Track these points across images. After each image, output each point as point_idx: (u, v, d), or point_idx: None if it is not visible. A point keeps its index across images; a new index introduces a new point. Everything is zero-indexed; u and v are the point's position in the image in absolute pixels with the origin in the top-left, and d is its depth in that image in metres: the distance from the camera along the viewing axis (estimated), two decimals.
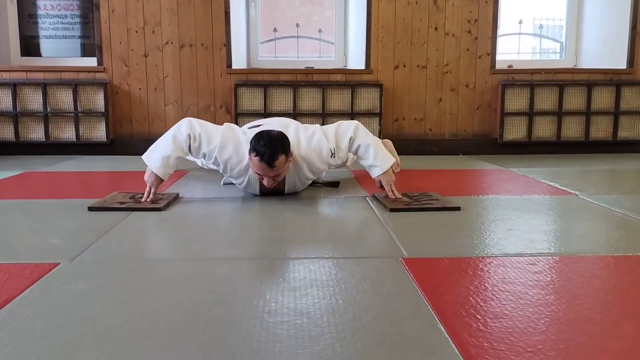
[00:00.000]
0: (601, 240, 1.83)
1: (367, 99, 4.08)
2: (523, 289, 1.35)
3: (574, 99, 4.16)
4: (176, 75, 4.09)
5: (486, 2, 4.10)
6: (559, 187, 2.78)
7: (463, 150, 4.22)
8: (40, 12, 4.29)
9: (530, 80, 4.18)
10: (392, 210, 2.21)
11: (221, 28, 4.05)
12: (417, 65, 4.14)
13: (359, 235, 1.97)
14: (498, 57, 4.21)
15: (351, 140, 2.47)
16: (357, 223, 2.11)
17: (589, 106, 4.16)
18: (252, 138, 2.25)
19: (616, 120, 4.18)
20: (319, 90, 4.07)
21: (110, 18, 4.03)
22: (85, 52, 4.31)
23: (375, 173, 2.48)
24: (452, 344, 1.06)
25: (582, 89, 4.15)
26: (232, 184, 2.75)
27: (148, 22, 4.04)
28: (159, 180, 2.37)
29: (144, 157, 2.42)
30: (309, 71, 4.16)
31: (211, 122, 2.55)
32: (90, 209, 2.23)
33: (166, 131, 2.48)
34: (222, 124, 2.49)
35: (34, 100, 4.03)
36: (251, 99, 4.05)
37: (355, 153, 2.54)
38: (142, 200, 2.32)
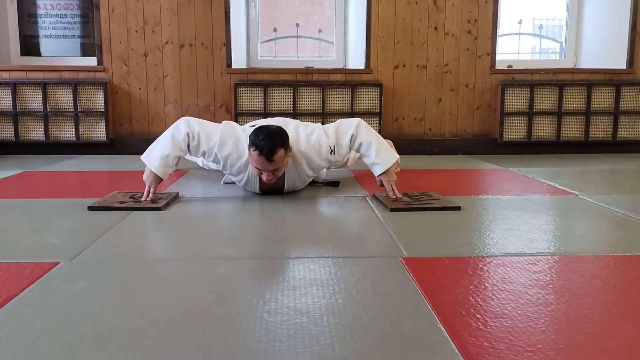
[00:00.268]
0: (601, 240, 1.84)
1: (367, 98, 4.08)
2: (523, 289, 1.35)
3: (574, 99, 4.16)
4: (176, 75, 4.09)
5: (486, 2, 4.10)
6: (559, 187, 2.78)
7: (463, 150, 4.22)
8: (40, 11, 4.29)
9: (530, 80, 4.18)
10: (392, 210, 2.21)
11: (221, 28, 4.05)
12: (417, 65, 4.14)
13: (359, 234, 1.97)
14: (498, 57, 4.21)
15: (353, 138, 2.46)
16: (357, 222, 2.11)
17: (588, 106, 4.16)
18: (251, 133, 2.26)
19: (616, 120, 4.18)
20: (318, 90, 4.07)
21: (110, 18, 4.03)
22: (85, 51, 4.31)
23: (377, 171, 2.47)
24: (452, 344, 1.06)
25: (582, 89, 4.15)
26: (232, 183, 2.75)
27: (148, 22, 4.04)
28: (158, 180, 2.37)
29: (142, 157, 2.42)
30: (309, 71, 4.16)
31: (211, 122, 2.55)
32: (90, 208, 2.23)
33: (166, 129, 2.48)
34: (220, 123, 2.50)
35: (33, 99, 4.03)
36: (251, 99, 4.05)
37: (358, 150, 2.53)
38: (142, 199, 2.32)
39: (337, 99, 4.09)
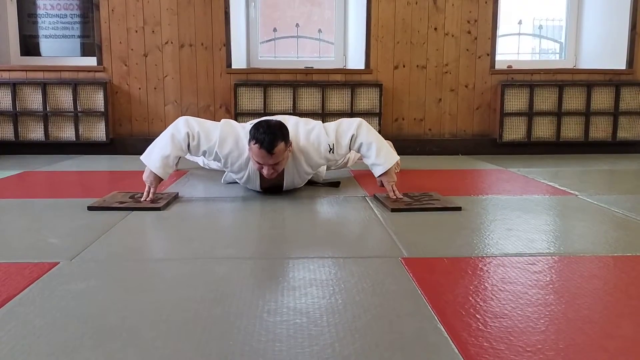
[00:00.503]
0: (600, 240, 1.84)
1: (367, 99, 4.08)
2: (522, 289, 1.35)
3: (574, 100, 4.16)
4: (176, 75, 4.09)
5: (486, 3, 4.10)
6: (559, 187, 2.78)
7: (462, 150, 4.22)
8: (40, 11, 4.29)
9: (530, 80, 4.18)
10: (393, 210, 2.21)
11: (221, 28, 4.05)
12: (417, 66, 4.15)
13: (359, 235, 1.97)
14: (498, 58, 4.21)
15: (353, 138, 2.46)
16: (357, 223, 2.11)
17: (588, 106, 4.16)
18: (252, 127, 2.27)
19: (615, 121, 4.18)
20: (318, 90, 4.07)
21: (110, 18, 4.03)
22: (85, 51, 4.31)
23: (377, 172, 2.47)
24: (452, 344, 1.06)
25: (582, 89, 4.15)
26: (234, 182, 2.75)
27: (148, 22, 4.04)
28: (158, 180, 2.37)
29: (142, 157, 2.42)
30: (309, 71, 4.16)
31: (209, 120, 2.55)
32: (90, 208, 2.23)
33: (165, 129, 2.48)
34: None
35: (33, 99, 4.03)
36: (251, 99, 4.05)
37: (358, 151, 2.53)
38: (142, 199, 2.32)
39: (337, 99, 4.09)
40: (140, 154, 2.47)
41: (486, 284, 1.39)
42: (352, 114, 4.03)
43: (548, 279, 1.44)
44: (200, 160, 3.22)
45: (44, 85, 4.00)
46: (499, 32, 4.27)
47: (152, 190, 2.35)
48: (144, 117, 4.14)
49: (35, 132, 4.06)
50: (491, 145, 4.22)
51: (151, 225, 2.05)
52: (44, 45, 4.33)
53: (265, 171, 2.28)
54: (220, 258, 1.63)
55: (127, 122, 4.15)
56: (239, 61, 4.24)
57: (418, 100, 4.19)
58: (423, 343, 1.07)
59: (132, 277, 1.46)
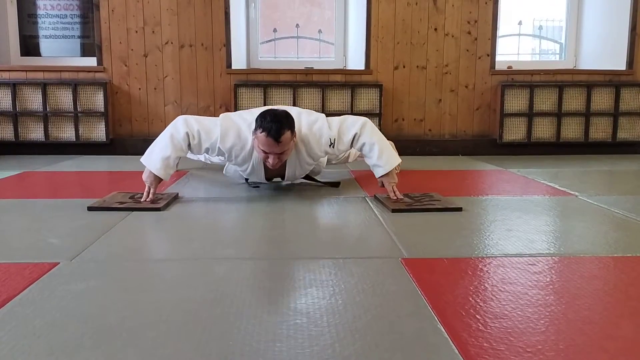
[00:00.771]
0: (600, 240, 1.84)
1: (367, 99, 4.08)
2: (523, 290, 1.35)
3: (574, 100, 4.16)
4: (176, 75, 4.09)
5: (486, 3, 4.11)
6: (559, 187, 2.78)
7: (462, 150, 4.23)
8: (40, 12, 4.29)
9: (530, 81, 4.19)
10: (394, 211, 2.21)
11: (221, 28, 4.05)
12: (417, 66, 4.15)
13: (359, 235, 1.97)
14: (498, 58, 4.21)
15: (356, 137, 2.45)
16: (357, 223, 2.11)
17: (588, 107, 4.16)
18: (257, 117, 2.26)
19: (615, 122, 4.18)
20: (318, 91, 4.07)
21: (110, 18, 4.03)
22: (85, 52, 4.31)
23: (378, 173, 2.47)
24: (452, 344, 1.06)
25: (582, 90, 4.15)
26: (241, 179, 2.74)
27: (148, 22, 4.04)
28: (158, 180, 2.37)
29: (142, 159, 2.40)
30: (309, 71, 4.16)
31: (207, 117, 2.55)
32: (90, 208, 2.23)
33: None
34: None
35: (33, 100, 4.03)
36: (251, 99, 4.05)
37: (360, 150, 2.52)
38: (142, 200, 2.32)
39: (337, 100, 4.09)
40: (141, 154, 2.47)
41: (486, 285, 1.39)
42: (352, 114, 4.01)
43: (548, 279, 1.44)
44: (202, 157, 3.21)
45: (44, 86, 4.00)
46: (499, 32, 4.27)
47: (152, 190, 2.35)
48: (144, 117, 4.14)
49: (35, 133, 4.06)
50: (491, 146, 4.22)
51: (151, 226, 2.05)
52: (44, 45, 4.33)
53: (270, 160, 2.28)
54: (220, 258, 1.63)
55: (127, 123, 4.15)
56: (239, 61, 4.24)
57: (418, 101, 4.19)
58: (423, 343, 1.07)
59: (132, 278, 1.46)
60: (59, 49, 4.32)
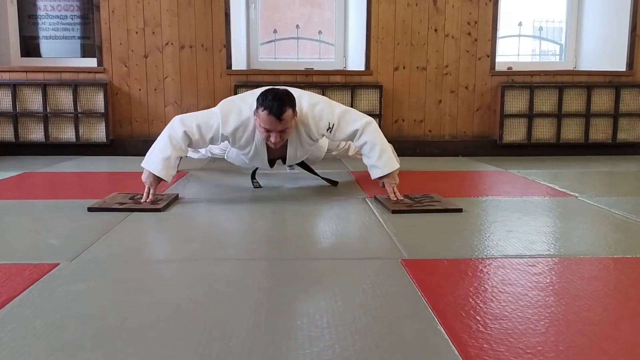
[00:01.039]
0: (600, 242, 1.84)
1: (367, 100, 4.08)
2: (523, 291, 1.35)
3: (574, 101, 4.16)
4: (176, 76, 4.10)
5: (486, 4, 4.11)
6: (559, 188, 2.78)
7: (462, 151, 4.23)
8: (41, 12, 4.29)
9: (530, 82, 4.19)
10: (394, 212, 2.21)
11: (221, 29, 4.05)
12: (417, 67, 4.15)
13: (359, 236, 1.97)
14: (498, 59, 4.21)
15: (357, 133, 2.44)
16: (357, 224, 2.11)
17: (588, 108, 4.16)
18: (259, 96, 2.27)
19: (615, 123, 4.18)
20: (318, 92, 4.06)
21: (110, 19, 4.03)
22: (85, 52, 4.32)
23: (375, 174, 2.46)
24: (452, 345, 1.06)
25: (582, 91, 4.16)
26: (238, 159, 2.78)
27: (148, 23, 4.04)
28: (158, 181, 2.36)
29: (142, 164, 2.39)
30: (309, 72, 4.17)
31: (203, 110, 2.55)
32: (90, 209, 2.23)
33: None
34: None
35: (33, 100, 4.03)
36: None
37: (361, 149, 2.51)
38: (142, 200, 2.32)
39: (337, 100, 4.04)
40: (141, 154, 2.47)
41: (486, 286, 1.39)
42: None
43: (548, 280, 1.44)
44: (203, 150, 3.21)
45: (44, 86, 4.00)
46: (499, 33, 4.27)
47: (151, 191, 2.35)
48: (144, 118, 4.14)
49: (35, 133, 4.06)
50: (491, 147, 4.22)
51: (151, 227, 2.05)
52: (44, 46, 4.33)
53: (272, 139, 2.28)
54: (220, 259, 1.63)
55: (127, 123, 4.15)
56: (239, 62, 4.24)
57: (418, 102, 4.19)
58: (423, 344, 1.07)
59: (132, 278, 1.46)
60: (59, 50, 4.33)
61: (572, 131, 4.19)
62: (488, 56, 4.16)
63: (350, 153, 3.22)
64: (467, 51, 4.15)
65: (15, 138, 4.04)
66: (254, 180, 2.83)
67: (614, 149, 4.24)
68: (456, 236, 1.89)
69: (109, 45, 4.06)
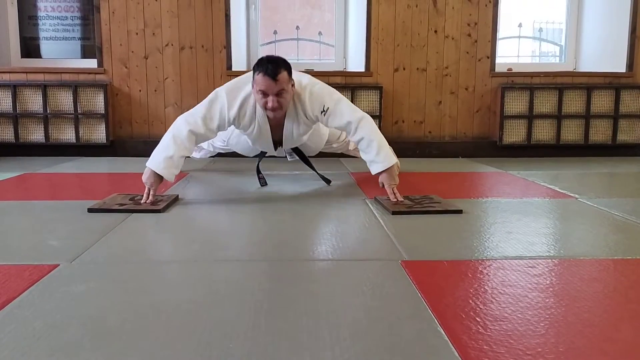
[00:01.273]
0: (600, 243, 1.84)
1: (367, 101, 4.09)
2: (522, 292, 1.35)
3: (574, 102, 4.17)
4: (176, 77, 4.10)
5: (486, 6, 4.11)
6: (559, 190, 2.78)
7: (462, 153, 4.23)
8: (41, 13, 4.30)
9: (530, 83, 4.19)
10: (394, 213, 2.21)
11: (221, 30, 4.05)
12: (417, 68, 4.15)
13: (359, 237, 1.97)
14: (498, 60, 4.21)
15: (351, 126, 2.43)
16: (357, 225, 2.11)
17: (588, 109, 4.16)
18: (255, 64, 2.34)
19: (615, 124, 4.18)
20: None
21: (110, 20, 4.03)
22: (86, 53, 4.32)
23: (375, 169, 2.44)
24: (452, 347, 1.06)
25: (582, 92, 4.16)
26: (239, 145, 2.85)
27: (148, 24, 4.04)
28: (158, 182, 2.37)
29: (147, 163, 2.39)
30: (309, 73, 4.15)
31: (203, 102, 2.55)
32: (90, 210, 2.23)
33: (165, 133, 2.48)
34: None
35: (34, 101, 4.03)
36: None
37: (357, 144, 2.50)
38: (142, 201, 2.32)
39: None
40: (141, 155, 2.48)
41: (486, 287, 1.39)
42: None
43: (548, 282, 1.44)
44: (205, 144, 3.22)
45: (44, 87, 4.00)
46: (499, 35, 4.27)
47: (152, 192, 2.35)
48: (144, 119, 4.14)
49: (35, 134, 4.06)
50: (491, 148, 4.22)
51: (151, 228, 2.05)
52: (45, 47, 4.34)
53: (269, 103, 2.32)
54: (220, 260, 1.63)
55: (128, 124, 4.15)
56: (239, 63, 4.24)
57: (418, 103, 4.19)
58: (423, 346, 1.07)
59: (132, 279, 1.46)
60: (60, 51, 4.33)
61: (572, 132, 4.19)
62: (488, 57, 4.17)
63: (351, 147, 3.23)
64: (467, 52, 4.15)
65: (16, 139, 4.04)
66: (260, 176, 2.84)
67: (614, 150, 4.24)
68: (456, 237, 1.89)
69: (109, 46, 4.06)
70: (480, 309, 1.25)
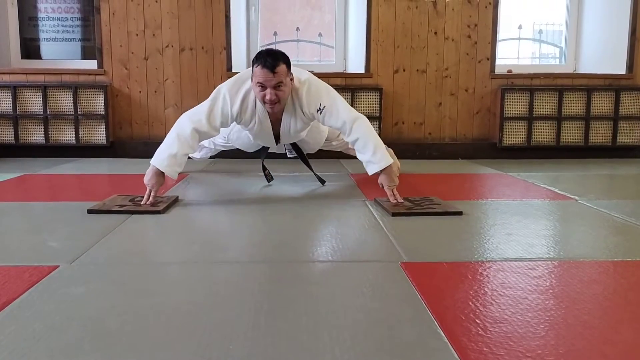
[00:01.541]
0: (600, 245, 1.84)
1: (367, 102, 4.09)
2: (522, 294, 1.35)
3: (573, 104, 4.17)
4: (176, 79, 4.10)
5: (486, 7, 4.11)
6: (558, 191, 2.78)
7: (462, 154, 4.23)
8: (41, 14, 4.30)
9: (530, 85, 4.19)
10: (394, 214, 2.21)
11: (221, 31, 4.06)
12: (417, 70, 4.15)
13: (359, 239, 1.97)
14: (498, 62, 4.22)
15: (346, 126, 2.44)
16: (356, 227, 2.11)
17: (588, 111, 4.16)
18: (254, 58, 2.36)
19: (615, 126, 4.18)
20: None
21: (110, 21, 4.03)
22: (86, 54, 4.32)
23: (372, 170, 2.43)
24: (452, 349, 1.06)
25: (582, 94, 4.16)
26: (239, 140, 2.87)
27: (148, 25, 4.05)
28: (159, 183, 2.37)
29: (151, 161, 2.39)
30: None
31: (205, 101, 2.57)
32: (90, 211, 2.23)
33: (166, 134, 2.49)
34: None
35: (34, 102, 4.03)
36: None
37: (353, 145, 2.49)
38: (142, 203, 2.32)
39: None
40: (141, 156, 2.48)
41: (486, 289, 1.39)
42: None
43: (548, 284, 1.43)
44: (206, 142, 3.23)
45: (44, 88, 4.00)
46: (499, 36, 4.27)
47: (152, 193, 2.35)
48: (144, 120, 4.14)
49: (35, 135, 4.06)
50: (491, 150, 4.22)
51: (151, 229, 2.05)
52: (45, 48, 4.34)
53: (268, 96, 2.33)
54: (220, 262, 1.63)
55: (128, 125, 4.15)
56: (239, 65, 4.24)
57: (418, 105, 4.19)
58: (423, 348, 1.07)
59: (131, 281, 1.46)
60: (60, 52, 4.33)
61: (572, 134, 4.19)
62: (488, 59, 4.17)
63: (350, 145, 3.23)
64: (467, 54, 4.16)
65: (16, 140, 4.04)
66: (266, 172, 2.90)
67: (614, 151, 4.24)
68: (456, 239, 1.89)
69: (109, 48, 4.06)
70: (480, 310, 1.25)
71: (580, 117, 4.17)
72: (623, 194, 2.88)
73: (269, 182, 2.87)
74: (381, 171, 2.41)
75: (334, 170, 3.39)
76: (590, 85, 4.17)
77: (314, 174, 2.89)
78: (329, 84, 4.07)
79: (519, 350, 1.05)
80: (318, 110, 2.45)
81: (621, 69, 4.20)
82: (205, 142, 3.26)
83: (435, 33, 4.12)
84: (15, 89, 4.00)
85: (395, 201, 2.36)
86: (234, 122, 2.58)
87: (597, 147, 4.22)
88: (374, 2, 4.05)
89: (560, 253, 1.74)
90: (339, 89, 4.06)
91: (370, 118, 4.03)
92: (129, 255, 1.72)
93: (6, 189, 2.86)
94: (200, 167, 3.52)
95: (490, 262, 1.62)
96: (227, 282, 1.44)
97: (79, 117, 4.04)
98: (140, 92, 4.11)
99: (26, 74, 4.07)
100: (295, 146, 2.88)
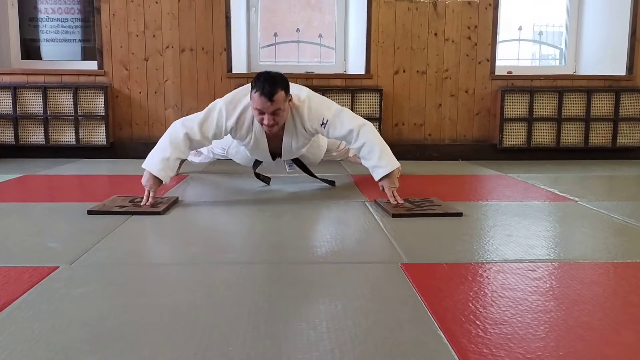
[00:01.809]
0: (600, 246, 1.83)
1: (367, 104, 4.09)
2: (522, 295, 1.35)
3: (574, 105, 4.17)
4: (176, 79, 4.10)
5: (486, 9, 4.12)
6: (558, 193, 2.78)
7: (462, 155, 4.23)
8: (41, 15, 4.30)
9: (530, 86, 4.19)
10: (394, 215, 2.20)
11: (222, 32, 4.06)
12: (417, 71, 4.15)
13: (359, 240, 1.97)
14: (498, 63, 4.22)
15: (352, 134, 2.43)
16: (356, 228, 2.11)
17: (588, 112, 4.16)
18: (252, 79, 2.35)
19: (615, 127, 4.18)
20: None
21: (111, 22, 4.03)
22: (86, 55, 4.32)
23: (378, 174, 2.42)
24: (452, 350, 1.06)
25: (582, 95, 4.16)
26: (238, 155, 2.84)
27: (149, 26, 4.05)
28: (158, 184, 2.37)
29: (143, 165, 2.40)
30: (309, 76, 4.17)
31: (201, 111, 2.56)
32: (90, 212, 2.23)
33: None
34: None
35: (34, 103, 4.03)
36: None
37: (359, 151, 2.49)
38: (142, 204, 2.32)
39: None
40: (141, 157, 2.48)
41: (486, 290, 1.39)
42: None
43: (548, 285, 1.43)
44: (205, 150, 3.22)
45: (44, 89, 4.00)
46: (499, 38, 4.28)
47: (151, 194, 2.35)
48: (145, 121, 4.14)
49: (35, 136, 4.06)
50: (491, 151, 4.23)
51: (151, 230, 2.05)
52: (45, 49, 4.34)
53: (265, 121, 2.33)
54: (220, 263, 1.63)
55: (128, 126, 4.15)
56: (239, 66, 4.25)
57: (418, 106, 4.19)
58: (423, 349, 1.07)
59: (131, 282, 1.46)
60: (60, 53, 4.33)
61: (572, 135, 4.20)
62: (488, 60, 4.17)
63: (351, 154, 3.23)
64: (467, 55, 4.16)
65: (16, 140, 4.04)
66: (260, 177, 2.89)
67: (614, 153, 4.24)
68: (456, 240, 1.89)
69: (110, 48, 4.06)
70: (480, 312, 1.25)
71: (580, 119, 4.17)
72: (623, 195, 2.88)
73: (267, 184, 2.88)
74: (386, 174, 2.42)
75: (334, 172, 3.39)
76: (590, 87, 4.17)
77: (320, 180, 2.88)
78: (329, 85, 4.12)
79: (519, 352, 1.05)
80: (322, 125, 2.45)
81: (621, 71, 4.21)
82: (203, 150, 3.25)
83: (435, 34, 4.13)
84: (15, 90, 4.00)
85: (395, 202, 2.36)
86: (229, 136, 2.57)
87: (597, 148, 4.22)
88: (374, 4, 4.05)
89: (560, 254, 1.74)
90: (339, 90, 4.08)
91: (371, 119, 4.03)
92: (129, 256, 1.72)
93: (6, 189, 2.86)
94: (200, 168, 3.52)
95: (491, 264, 1.62)
96: (226, 283, 1.44)
97: (79, 117, 4.04)
98: (140, 92, 4.11)
99: (26, 74, 4.08)
100: (297, 160, 2.87)
